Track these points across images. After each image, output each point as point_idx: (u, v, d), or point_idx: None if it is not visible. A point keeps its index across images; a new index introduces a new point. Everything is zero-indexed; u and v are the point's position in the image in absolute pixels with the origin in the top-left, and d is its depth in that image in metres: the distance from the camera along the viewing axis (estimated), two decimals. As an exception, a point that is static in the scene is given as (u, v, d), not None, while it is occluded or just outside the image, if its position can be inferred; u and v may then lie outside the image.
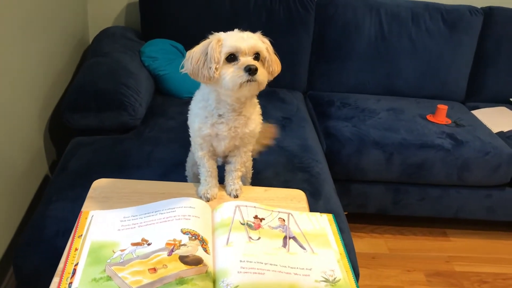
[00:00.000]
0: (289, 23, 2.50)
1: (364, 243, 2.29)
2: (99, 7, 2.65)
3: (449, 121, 2.34)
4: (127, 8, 2.68)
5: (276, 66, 1.12)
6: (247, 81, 1.03)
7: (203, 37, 2.75)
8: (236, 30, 1.09)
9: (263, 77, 1.05)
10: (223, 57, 1.04)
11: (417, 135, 2.19)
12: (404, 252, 2.26)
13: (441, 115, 2.34)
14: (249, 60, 1.04)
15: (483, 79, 2.70)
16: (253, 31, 2.72)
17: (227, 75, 1.04)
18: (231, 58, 1.05)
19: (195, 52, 1.07)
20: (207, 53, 1.05)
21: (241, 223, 1.07)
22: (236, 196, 1.21)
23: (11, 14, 1.58)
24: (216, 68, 1.04)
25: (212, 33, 1.09)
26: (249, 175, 1.42)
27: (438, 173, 2.16)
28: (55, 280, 0.91)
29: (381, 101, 2.52)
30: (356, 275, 1.48)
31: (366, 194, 2.24)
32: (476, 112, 2.53)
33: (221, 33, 1.08)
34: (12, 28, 1.60)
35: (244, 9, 2.47)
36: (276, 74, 1.13)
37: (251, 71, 1.02)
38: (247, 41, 1.05)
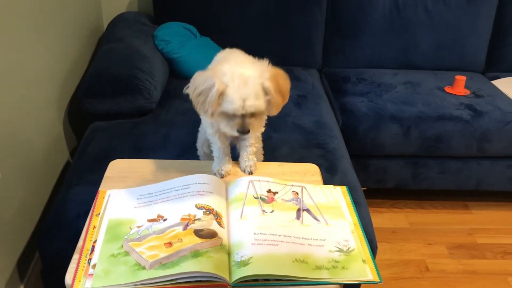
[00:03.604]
0: (302, 0, 2.47)
1: (385, 218, 2.29)
2: (112, -6, 2.66)
3: (468, 92, 2.29)
4: (139, -7, 2.69)
5: (277, 107, 1.09)
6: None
7: (215, 18, 2.72)
8: (240, 73, 1.02)
9: (256, 130, 1.09)
10: (221, 110, 1.04)
11: (435, 108, 2.16)
12: (425, 225, 2.25)
13: (460, 86, 2.30)
14: (244, 122, 1.05)
15: (503, 49, 2.63)
16: (266, 10, 2.70)
17: (221, 124, 1.08)
18: None
19: (198, 84, 1.05)
20: (208, 95, 1.03)
21: (255, 197, 1.08)
22: (250, 173, 1.22)
23: (26, 3, 1.61)
24: (212, 113, 1.05)
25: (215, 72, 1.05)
26: (260, 151, 1.43)
27: (458, 145, 2.13)
28: (75, 257, 0.94)
29: (398, 75, 2.48)
30: (373, 247, 1.49)
31: (384, 169, 2.22)
32: (496, 82, 2.48)
33: (226, 75, 1.03)
34: (27, 18, 1.63)
35: (256, -12, 2.45)
36: (279, 110, 1.12)
37: (244, 132, 1.06)
38: (247, 106, 1.02)
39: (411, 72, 2.54)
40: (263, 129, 1.24)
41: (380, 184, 2.27)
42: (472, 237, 2.19)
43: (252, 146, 1.23)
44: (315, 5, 2.49)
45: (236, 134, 1.07)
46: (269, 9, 2.48)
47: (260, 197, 1.09)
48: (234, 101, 1.01)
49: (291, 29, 2.52)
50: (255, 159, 1.25)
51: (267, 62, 1.10)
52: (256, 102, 1.02)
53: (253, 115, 1.05)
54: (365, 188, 2.06)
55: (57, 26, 1.93)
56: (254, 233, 0.97)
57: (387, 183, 2.27)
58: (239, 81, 1.01)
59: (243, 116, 1.04)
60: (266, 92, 1.04)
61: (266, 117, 1.17)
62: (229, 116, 1.05)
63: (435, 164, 2.21)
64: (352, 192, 1.18)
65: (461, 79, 2.29)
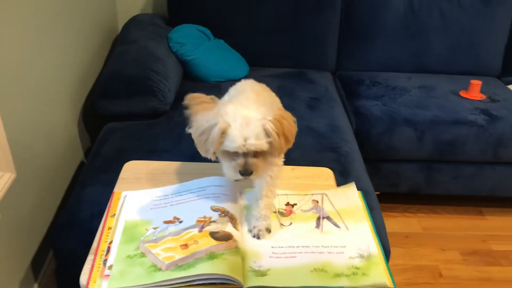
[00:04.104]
0: (316, 2, 2.46)
1: (398, 222, 2.27)
2: (126, -4, 2.68)
3: (483, 97, 2.27)
4: (153, -5, 2.71)
5: (279, 150, 1.01)
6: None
7: (229, 21, 2.72)
8: (243, 114, 0.97)
9: (261, 173, 1.01)
10: (222, 148, 0.99)
11: (449, 112, 2.14)
12: (438, 231, 2.23)
13: (475, 90, 2.27)
14: (247, 162, 0.99)
15: (519, 53, 2.61)
16: (279, 12, 2.69)
17: (224, 165, 1.02)
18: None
19: (200, 124, 1.00)
20: (210, 134, 0.98)
21: (273, 212, 1.08)
22: (257, 237, 1.03)
23: (42, 5, 1.62)
24: (214, 152, 1.01)
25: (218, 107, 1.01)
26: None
27: (472, 150, 2.11)
28: (90, 258, 0.94)
29: (412, 79, 2.46)
30: (387, 252, 1.47)
31: (397, 173, 2.21)
32: (512, 87, 2.46)
33: (228, 115, 0.98)
34: (43, 20, 1.64)
35: (269, -10, 2.45)
36: (283, 153, 1.06)
37: (246, 173, 0.99)
38: (248, 145, 0.96)
39: (426, 75, 2.52)
40: (275, 173, 1.11)
41: (393, 188, 2.25)
42: (487, 244, 2.16)
43: (264, 198, 1.07)
44: (328, 7, 2.49)
45: (239, 177, 1.00)
46: (283, 11, 2.48)
47: (278, 211, 1.09)
48: (236, 140, 0.96)
49: (304, 31, 2.52)
50: (268, 217, 1.06)
51: (278, 101, 1.09)
52: (257, 142, 0.97)
53: (256, 155, 0.99)
54: (378, 193, 2.05)
55: (73, 28, 1.94)
56: (272, 247, 0.98)
57: (400, 187, 2.25)
58: (241, 121, 0.97)
59: (245, 155, 0.99)
60: (268, 134, 0.99)
61: (282, 163, 1.11)
62: (231, 156, 1.00)
63: (449, 169, 2.19)
64: (365, 197, 1.17)
65: (476, 83, 2.27)
